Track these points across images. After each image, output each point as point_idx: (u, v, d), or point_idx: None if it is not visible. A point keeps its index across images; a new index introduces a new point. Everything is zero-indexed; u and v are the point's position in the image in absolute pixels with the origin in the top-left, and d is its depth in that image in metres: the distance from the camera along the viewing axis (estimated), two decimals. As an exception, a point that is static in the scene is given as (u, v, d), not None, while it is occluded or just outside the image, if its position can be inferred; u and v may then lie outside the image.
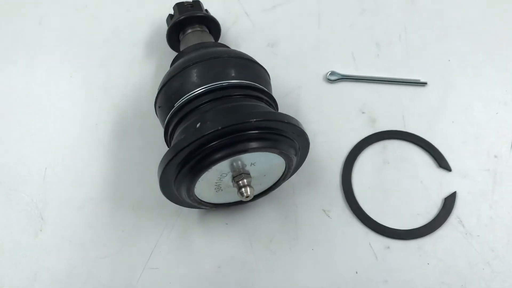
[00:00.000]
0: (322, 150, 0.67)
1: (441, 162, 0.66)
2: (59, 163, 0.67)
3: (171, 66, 0.63)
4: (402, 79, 0.74)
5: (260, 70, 0.59)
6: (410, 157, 0.67)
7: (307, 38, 0.81)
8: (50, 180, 0.66)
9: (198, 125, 0.48)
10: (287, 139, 0.50)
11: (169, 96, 0.55)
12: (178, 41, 0.71)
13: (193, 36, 0.69)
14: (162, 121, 0.57)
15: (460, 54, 0.77)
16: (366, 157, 0.67)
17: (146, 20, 0.82)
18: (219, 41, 0.75)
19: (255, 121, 0.46)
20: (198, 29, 0.70)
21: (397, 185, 0.65)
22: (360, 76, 0.75)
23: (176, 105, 0.53)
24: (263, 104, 0.54)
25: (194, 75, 0.54)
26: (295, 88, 0.74)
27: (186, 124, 0.51)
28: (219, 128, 0.45)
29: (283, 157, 0.52)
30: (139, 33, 0.81)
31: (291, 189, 0.64)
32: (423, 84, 0.74)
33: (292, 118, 0.49)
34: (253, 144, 0.48)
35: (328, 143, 0.68)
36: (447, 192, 0.64)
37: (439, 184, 0.65)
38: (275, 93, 0.61)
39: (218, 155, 0.47)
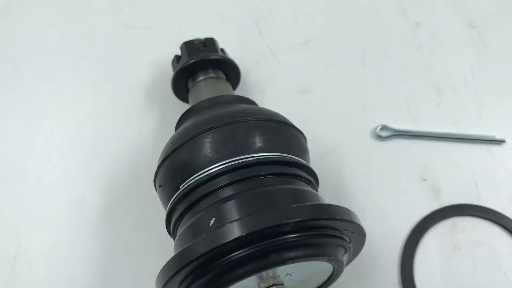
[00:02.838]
0: (373, 232, 0.62)
1: (531, 248, 0.62)
2: (32, 249, 0.63)
3: (176, 128, 0.58)
4: (472, 136, 0.71)
5: (296, 135, 0.54)
6: (488, 240, 0.63)
7: (349, 82, 0.77)
8: (20, 273, 0.61)
9: (212, 221, 0.42)
10: (337, 239, 0.44)
11: (173, 173, 0.49)
12: (187, 90, 0.68)
13: (206, 85, 0.64)
14: (164, 204, 0.52)
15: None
16: (431, 241, 0.63)
17: (147, 60, 0.79)
18: (239, 87, 0.72)
19: (296, 221, 0.39)
20: (212, 75, 0.66)
21: (473, 279, 0.60)
22: (418, 132, 0.72)
23: (183, 187, 0.48)
24: (302, 186, 0.49)
25: (207, 146, 0.48)
26: (336, 147, 0.71)
27: (196, 217, 0.45)
28: (243, 235, 0.38)
29: (331, 263, 0.46)
30: (137, 76, 0.77)
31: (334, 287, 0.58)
32: (501, 142, 0.71)
33: (346, 209, 0.43)
34: (293, 254, 0.41)
35: (380, 221, 0.64)
36: (542, 289, 0.59)
37: (530, 278, 0.60)
38: (310, 153, 0.57)
39: (242, 271, 0.41)
